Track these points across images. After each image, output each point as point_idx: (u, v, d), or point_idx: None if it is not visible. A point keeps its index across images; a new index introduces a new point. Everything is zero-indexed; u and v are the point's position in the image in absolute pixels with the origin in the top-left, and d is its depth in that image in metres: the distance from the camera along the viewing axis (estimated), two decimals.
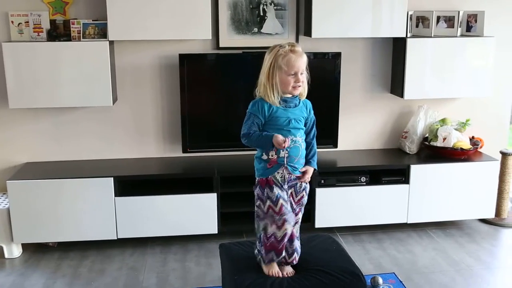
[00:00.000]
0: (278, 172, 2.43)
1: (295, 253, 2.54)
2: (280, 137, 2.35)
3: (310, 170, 2.51)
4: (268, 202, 2.43)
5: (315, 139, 2.56)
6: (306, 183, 2.53)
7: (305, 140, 2.51)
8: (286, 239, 2.45)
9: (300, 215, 2.56)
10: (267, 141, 2.38)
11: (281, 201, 2.42)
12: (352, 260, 2.61)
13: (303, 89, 2.44)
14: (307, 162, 2.51)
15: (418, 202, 3.72)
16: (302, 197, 2.53)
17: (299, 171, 2.47)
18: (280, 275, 2.46)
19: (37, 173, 3.52)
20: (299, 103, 2.47)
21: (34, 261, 3.44)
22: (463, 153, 3.76)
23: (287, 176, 2.44)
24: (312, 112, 2.55)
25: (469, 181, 3.75)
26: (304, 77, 2.40)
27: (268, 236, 2.45)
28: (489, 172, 3.77)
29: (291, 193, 2.49)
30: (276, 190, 2.43)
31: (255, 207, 2.49)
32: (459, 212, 3.81)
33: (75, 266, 3.36)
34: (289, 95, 2.44)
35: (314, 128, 2.56)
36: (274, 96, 2.38)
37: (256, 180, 2.49)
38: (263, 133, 2.40)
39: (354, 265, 2.55)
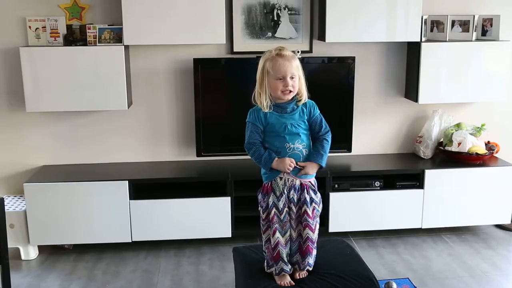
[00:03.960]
0: (281, 177, 2.41)
1: (299, 264, 2.48)
2: (286, 162, 2.35)
3: (310, 165, 2.40)
4: (265, 208, 2.44)
5: (327, 135, 2.45)
6: (312, 194, 2.44)
7: (314, 138, 2.46)
8: (280, 248, 2.43)
9: (307, 232, 2.43)
10: (266, 164, 2.38)
11: (274, 210, 2.41)
12: (366, 264, 2.60)
13: (297, 93, 2.39)
14: (310, 157, 2.41)
15: (432, 207, 3.70)
16: (305, 212, 2.42)
17: (299, 166, 2.39)
18: (293, 283, 2.45)
19: (53, 176, 3.56)
20: (297, 107, 2.42)
21: (50, 263, 3.47)
22: (478, 158, 3.73)
23: (290, 181, 2.42)
24: (315, 110, 2.46)
25: (484, 186, 3.72)
26: (296, 82, 2.35)
27: (265, 240, 2.48)
28: (505, 177, 3.74)
29: (292, 203, 2.42)
30: (272, 199, 2.42)
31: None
32: (474, 218, 3.78)
33: (90, 268, 3.39)
34: (282, 101, 2.40)
35: (324, 125, 2.46)
36: (264, 102, 2.37)
37: (262, 185, 2.49)
38: (263, 156, 2.38)
39: (368, 269, 2.55)
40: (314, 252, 2.50)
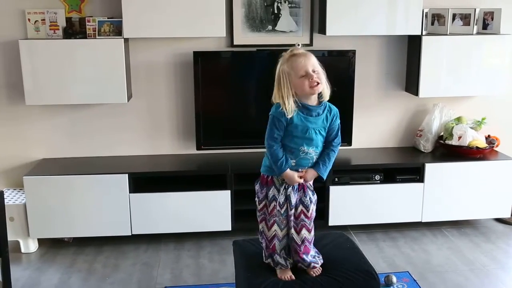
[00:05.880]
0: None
1: (305, 263, 2.46)
2: (295, 178, 2.35)
3: (310, 172, 2.39)
4: (264, 201, 2.42)
5: (336, 147, 2.43)
6: (310, 195, 2.43)
7: (325, 146, 2.41)
8: (275, 242, 2.42)
9: (304, 233, 2.42)
10: (279, 169, 2.35)
11: (274, 203, 2.39)
12: (366, 258, 2.60)
13: (323, 87, 2.32)
14: (314, 164, 2.40)
15: (432, 200, 3.70)
16: (302, 212, 2.41)
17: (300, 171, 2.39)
18: (293, 278, 2.44)
19: (53, 169, 3.56)
20: (323, 112, 2.37)
21: (50, 256, 3.48)
22: (478, 152, 3.73)
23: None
24: (337, 119, 2.42)
25: (484, 180, 3.71)
26: (319, 74, 2.30)
27: (261, 231, 2.47)
28: (505, 171, 3.74)
29: (288, 201, 2.40)
30: (273, 192, 2.40)
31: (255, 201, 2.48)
32: (474, 211, 3.78)
33: (90, 261, 3.40)
34: (312, 104, 2.34)
35: (338, 136, 2.44)
36: (288, 106, 2.29)
37: (260, 175, 2.47)
38: (280, 160, 2.33)
39: (368, 263, 2.54)
40: (312, 251, 2.49)
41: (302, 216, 2.43)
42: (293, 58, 2.31)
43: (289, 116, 2.31)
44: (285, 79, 2.31)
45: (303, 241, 2.44)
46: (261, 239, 2.51)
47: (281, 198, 2.40)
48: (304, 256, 2.45)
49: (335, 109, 2.43)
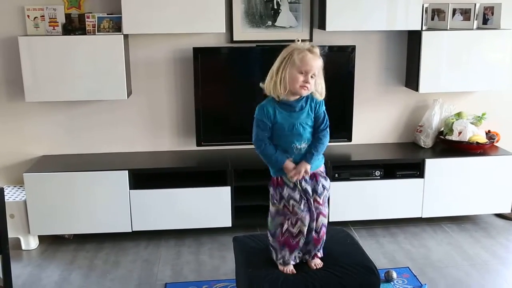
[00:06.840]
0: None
1: (310, 252, 2.48)
2: (290, 168, 2.35)
3: (302, 164, 2.37)
4: (282, 201, 2.42)
5: (326, 134, 2.43)
6: (323, 181, 2.44)
7: (313, 133, 2.43)
8: (301, 238, 2.42)
9: (321, 220, 2.44)
10: (276, 165, 2.38)
11: (291, 202, 2.39)
12: (366, 254, 2.60)
13: (314, 91, 2.36)
14: (304, 155, 2.40)
15: (433, 196, 3.70)
16: (316, 201, 2.42)
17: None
18: (295, 272, 2.44)
19: (53, 166, 3.56)
20: (306, 104, 2.39)
21: (50, 252, 3.48)
22: (478, 147, 3.73)
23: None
24: (321, 107, 2.43)
25: (484, 176, 3.71)
26: (313, 81, 2.33)
27: (283, 231, 2.44)
28: (505, 167, 3.74)
29: (307, 194, 2.40)
30: (287, 191, 2.40)
31: (270, 204, 2.48)
32: (474, 207, 3.78)
33: (91, 258, 3.40)
34: (294, 98, 2.37)
35: (325, 123, 2.44)
36: (282, 91, 2.32)
37: (271, 179, 2.47)
38: (273, 156, 2.36)
39: (368, 258, 2.54)
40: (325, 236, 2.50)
41: (316, 204, 2.43)
42: (307, 52, 2.32)
43: (281, 98, 2.34)
44: (286, 64, 2.32)
45: (321, 227, 2.46)
46: (274, 240, 2.47)
47: (297, 195, 2.40)
48: (320, 243, 2.46)
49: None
